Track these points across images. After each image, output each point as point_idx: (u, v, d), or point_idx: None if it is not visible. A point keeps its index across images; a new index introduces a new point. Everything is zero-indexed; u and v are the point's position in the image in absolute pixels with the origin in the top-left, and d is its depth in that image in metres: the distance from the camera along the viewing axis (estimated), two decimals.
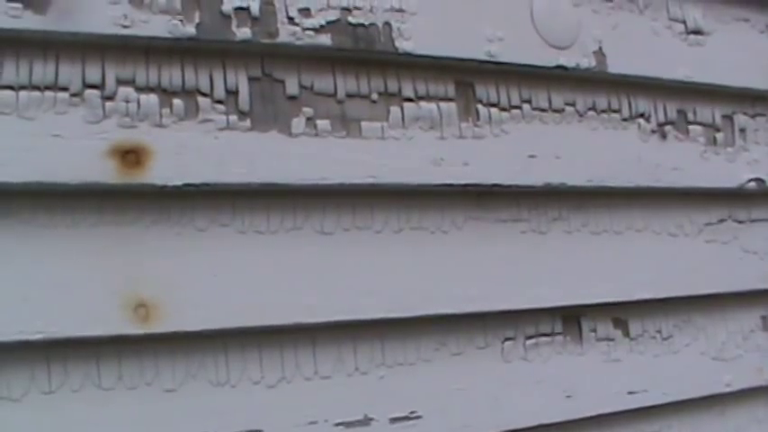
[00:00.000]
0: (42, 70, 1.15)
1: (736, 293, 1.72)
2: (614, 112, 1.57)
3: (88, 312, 1.16)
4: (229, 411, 1.25)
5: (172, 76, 1.22)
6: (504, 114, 1.45)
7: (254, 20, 1.25)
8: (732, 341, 1.72)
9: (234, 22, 1.24)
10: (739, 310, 1.75)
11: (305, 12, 1.28)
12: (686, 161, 1.64)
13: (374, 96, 1.35)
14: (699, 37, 1.66)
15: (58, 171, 1.14)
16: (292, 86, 1.30)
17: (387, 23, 1.34)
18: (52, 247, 1.16)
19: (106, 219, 1.19)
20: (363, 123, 1.34)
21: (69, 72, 1.16)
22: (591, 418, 1.52)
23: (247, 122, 1.26)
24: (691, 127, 1.67)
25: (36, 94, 1.14)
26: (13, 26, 1.11)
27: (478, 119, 1.43)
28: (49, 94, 1.15)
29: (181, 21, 1.20)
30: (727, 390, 1.70)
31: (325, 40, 1.29)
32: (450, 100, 1.41)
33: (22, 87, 1.14)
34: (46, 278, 1.15)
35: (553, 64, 1.49)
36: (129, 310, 1.18)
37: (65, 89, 1.16)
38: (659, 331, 1.64)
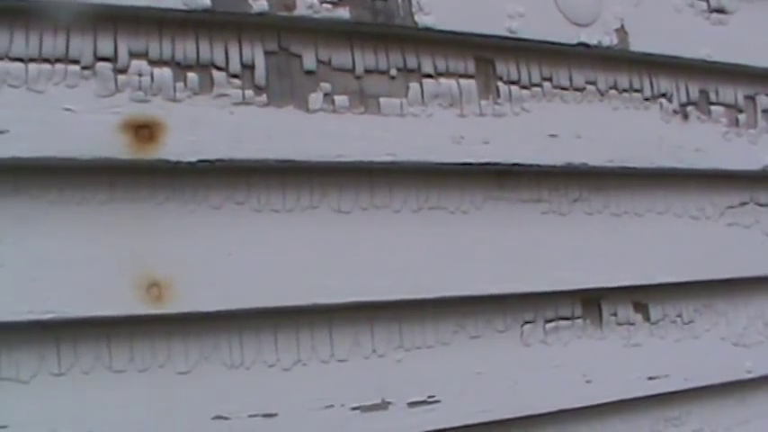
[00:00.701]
0: (53, 42, 1.13)
1: (757, 278, 1.69)
2: (636, 91, 1.54)
3: (99, 292, 1.14)
4: (243, 394, 1.23)
5: (186, 49, 1.20)
6: (525, 92, 1.42)
7: None
8: (753, 327, 1.70)
9: None
10: (761, 295, 1.72)
11: None
12: (708, 142, 1.61)
13: (393, 72, 1.32)
14: (722, 16, 1.63)
15: (69, 146, 1.12)
16: (310, 61, 1.27)
17: None
18: (62, 225, 1.13)
19: (118, 195, 1.17)
20: (382, 100, 1.31)
21: (80, 44, 1.14)
22: (610, 403, 1.50)
23: (263, 97, 1.23)
24: (713, 108, 1.63)
25: (46, 66, 1.12)
26: None
27: (499, 96, 1.40)
28: (59, 66, 1.12)
29: None
30: (749, 376, 1.67)
31: (343, 13, 1.26)
32: (470, 77, 1.38)
33: (32, 60, 1.11)
34: (56, 257, 1.13)
35: (574, 41, 1.45)
36: (142, 289, 1.16)
37: (76, 62, 1.13)
38: (680, 316, 1.61)
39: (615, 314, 1.54)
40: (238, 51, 1.22)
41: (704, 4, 1.61)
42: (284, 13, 1.22)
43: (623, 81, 1.53)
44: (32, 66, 1.11)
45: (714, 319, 1.65)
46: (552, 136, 1.43)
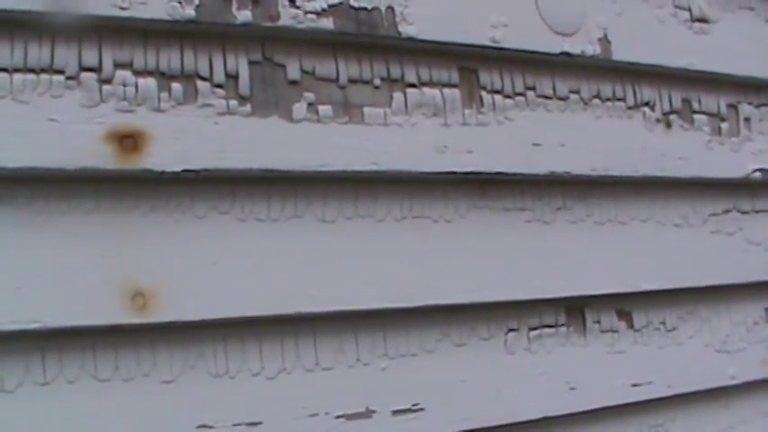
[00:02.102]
0: (38, 53, 1.13)
1: (740, 285, 1.70)
2: (619, 100, 1.55)
3: (84, 301, 1.14)
4: (228, 403, 1.23)
5: (171, 59, 1.20)
6: (509, 101, 1.43)
7: (255, 2, 1.23)
8: (736, 333, 1.71)
9: (234, 5, 1.22)
10: (744, 301, 1.73)
11: None
12: (691, 150, 1.62)
13: (377, 82, 1.33)
14: (704, 25, 1.64)
15: (54, 156, 1.12)
16: (294, 71, 1.27)
17: (390, 7, 1.32)
18: (47, 234, 1.14)
19: (103, 205, 1.17)
20: (366, 109, 1.31)
21: (65, 54, 1.14)
22: (595, 410, 1.51)
23: (248, 107, 1.23)
24: (696, 116, 1.65)
25: (31, 76, 1.12)
26: (7, 7, 1.09)
27: (482, 106, 1.40)
28: (44, 77, 1.13)
29: (180, 3, 1.18)
30: (732, 382, 1.68)
31: (326, 23, 1.27)
32: (454, 86, 1.39)
33: (17, 70, 1.11)
34: (41, 266, 1.13)
35: (558, 51, 1.46)
36: (127, 298, 1.16)
37: (61, 72, 1.14)
38: (663, 323, 1.62)
39: (599, 322, 1.54)
40: (222, 62, 1.23)
41: (687, 14, 1.62)
42: (268, 24, 1.23)
43: (606, 90, 1.54)
44: (17, 76, 1.11)
45: (698, 326, 1.66)
46: (536, 145, 1.44)
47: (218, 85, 1.22)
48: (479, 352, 1.42)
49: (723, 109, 1.69)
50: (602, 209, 1.54)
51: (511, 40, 1.41)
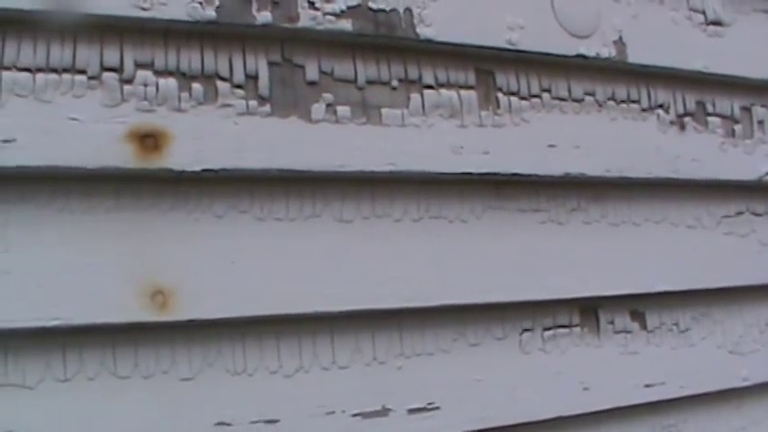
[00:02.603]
0: (60, 53, 1.14)
1: (753, 287, 1.70)
2: (633, 102, 1.56)
3: (104, 299, 1.15)
4: (246, 400, 1.23)
5: (191, 59, 1.21)
6: (524, 103, 1.44)
7: (275, 4, 1.23)
8: (749, 335, 1.71)
9: (254, 6, 1.22)
10: (757, 303, 1.73)
11: None
12: (705, 153, 1.63)
13: (394, 83, 1.34)
14: (718, 28, 1.65)
15: (75, 155, 1.13)
16: (312, 72, 1.28)
17: (408, 9, 1.32)
18: (68, 233, 1.14)
19: (123, 204, 1.18)
20: (383, 110, 1.32)
21: (87, 54, 1.15)
22: (607, 410, 1.51)
23: (267, 108, 1.24)
24: (709, 118, 1.65)
25: (53, 76, 1.13)
26: (29, 7, 1.10)
27: (498, 107, 1.41)
28: (66, 76, 1.14)
29: (200, 4, 1.19)
30: (744, 384, 1.68)
31: (345, 25, 1.28)
32: (471, 88, 1.39)
33: (39, 70, 1.12)
34: (62, 264, 1.14)
35: (573, 53, 1.47)
36: (146, 297, 1.17)
37: (82, 72, 1.15)
38: (676, 324, 1.62)
39: (612, 322, 1.55)
40: (242, 62, 1.23)
41: (701, 17, 1.63)
42: (288, 25, 1.24)
43: (621, 92, 1.55)
44: (40, 75, 1.12)
45: (710, 328, 1.67)
46: (551, 146, 1.45)
47: (238, 86, 1.23)
48: (494, 352, 1.42)
49: (737, 111, 1.69)
50: (617, 210, 1.55)
51: (527, 42, 1.42)
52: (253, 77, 1.24)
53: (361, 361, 1.32)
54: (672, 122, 1.60)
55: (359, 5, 1.29)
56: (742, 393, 1.69)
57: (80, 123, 1.13)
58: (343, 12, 1.27)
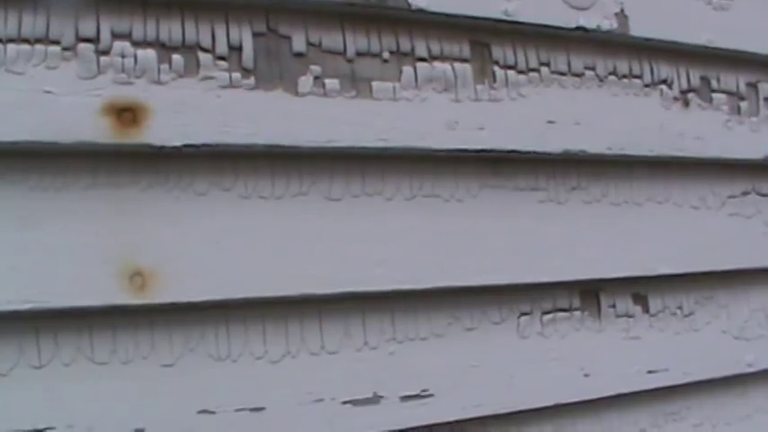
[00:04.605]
0: (32, 22, 1.09)
1: (759, 270, 1.66)
2: (636, 77, 1.50)
3: (81, 281, 1.11)
4: (230, 387, 1.19)
5: (171, 30, 1.16)
6: (522, 77, 1.38)
7: None
8: (755, 319, 1.66)
9: None
10: (762, 287, 1.68)
11: None
12: (709, 130, 1.57)
13: (386, 55, 1.28)
14: (724, 1, 1.59)
15: (50, 129, 1.08)
16: (299, 43, 1.23)
17: None
18: (43, 211, 1.10)
19: (100, 181, 1.13)
20: (374, 83, 1.27)
21: (61, 24, 1.10)
22: (609, 397, 1.47)
23: (251, 80, 1.19)
24: (714, 95, 1.60)
25: (26, 47, 1.08)
26: None
27: (495, 81, 1.36)
28: (39, 47, 1.09)
29: None
30: (750, 370, 1.64)
31: None
32: (466, 61, 1.34)
33: (11, 40, 1.08)
34: (36, 244, 1.09)
35: (573, 25, 1.41)
36: (125, 279, 1.12)
37: (56, 42, 1.10)
38: (680, 308, 1.57)
39: (614, 306, 1.50)
40: (225, 33, 1.18)
41: None
42: None
43: (623, 67, 1.49)
44: (11, 46, 1.07)
45: (715, 312, 1.62)
46: (550, 122, 1.39)
47: (221, 57, 1.18)
48: (491, 336, 1.38)
49: (743, 88, 1.64)
50: (618, 189, 1.50)
51: (525, 14, 1.36)
52: (236, 49, 1.19)
53: (351, 346, 1.27)
54: (675, 99, 1.54)
55: None
56: (747, 380, 1.65)
57: (54, 96, 1.08)
58: None
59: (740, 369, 1.63)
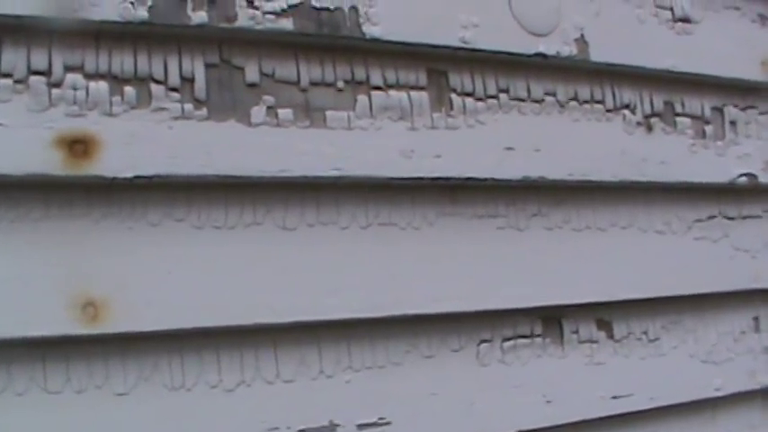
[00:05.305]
0: None
1: (726, 293, 1.66)
2: (597, 102, 1.51)
3: (33, 311, 1.11)
4: (184, 417, 1.19)
5: (123, 62, 1.16)
6: (480, 104, 1.39)
7: (211, 3, 1.19)
8: (723, 343, 1.66)
9: (189, 5, 1.17)
10: (730, 310, 1.68)
11: None
12: (674, 155, 1.58)
13: (340, 84, 1.29)
14: (687, 25, 1.59)
15: (2, 162, 1.08)
16: (252, 73, 1.23)
17: (353, 7, 1.27)
18: None
19: (52, 213, 1.13)
20: (328, 113, 1.27)
21: (14, 57, 1.10)
22: (572, 424, 1.46)
23: (204, 111, 1.19)
24: (678, 119, 1.60)
25: None
26: None
27: (452, 109, 1.36)
28: None
29: (132, 4, 1.14)
30: (718, 394, 1.63)
31: (286, 24, 1.23)
32: (422, 89, 1.34)
33: None
34: None
35: (532, 51, 1.42)
36: (77, 309, 1.12)
37: (8, 75, 1.10)
38: (645, 333, 1.57)
39: (577, 332, 1.50)
40: (178, 64, 1.19)
41: (668, 14, 1.58)
42: (225, 25, 1.19)
43: (584, 92, 1.50)
44: None
45: (682, 336, 1.62)
46: (508, 149, 1.40)
47: (173, 89, 1.18)
48: (450, 364, 1.37)
49: (708, 112, 1.64)
50: (580, 215, 1.50)
51: (482, 41, 1.37)
52: (189, 80, 1.19)
53: (306, 374, 1.27)
54: (638, 123, 1.55)
55: (301, 4, 1.24)
56: (716, 404, 1.65)
57: (6, 129, 1.08)
58: (284, 10, 1.23)
59: (708, 393, 1.63)
